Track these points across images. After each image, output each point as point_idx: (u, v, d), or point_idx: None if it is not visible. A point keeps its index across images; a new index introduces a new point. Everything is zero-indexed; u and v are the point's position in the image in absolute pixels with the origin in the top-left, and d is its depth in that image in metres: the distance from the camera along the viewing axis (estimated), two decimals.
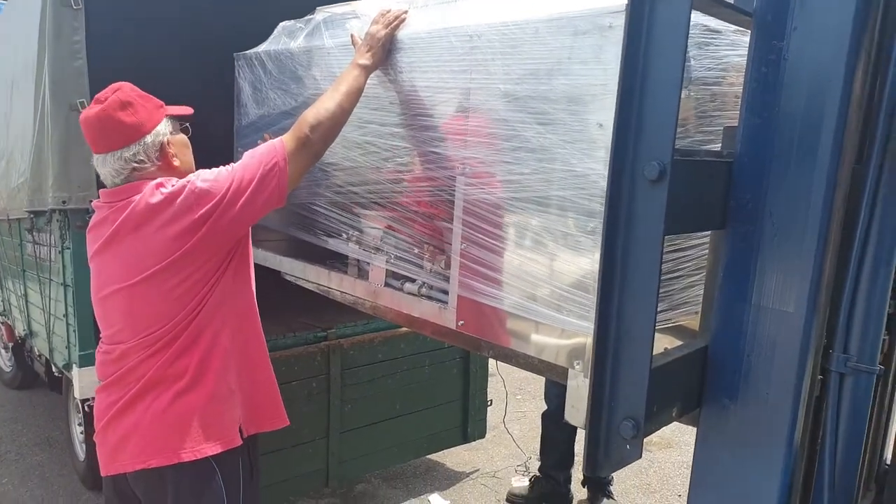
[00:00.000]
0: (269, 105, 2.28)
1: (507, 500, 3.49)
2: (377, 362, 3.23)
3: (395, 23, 1.72)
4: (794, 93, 0.95)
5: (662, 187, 0.88)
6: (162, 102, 1.75)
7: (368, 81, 1.76)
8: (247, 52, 2.38)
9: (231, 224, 1.64)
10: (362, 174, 1.93)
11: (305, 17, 2.16)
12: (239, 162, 1.66)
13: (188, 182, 1.62)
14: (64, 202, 2.69)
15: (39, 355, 3.94)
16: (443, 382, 3.51)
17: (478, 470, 3.88)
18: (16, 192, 3.54)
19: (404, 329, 2.90)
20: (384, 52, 1.72)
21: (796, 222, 0.96)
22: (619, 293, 0.95)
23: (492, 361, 3.69)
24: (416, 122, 1.67)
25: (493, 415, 3.79)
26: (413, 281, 1.77)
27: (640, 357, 0.93)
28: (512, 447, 4.00)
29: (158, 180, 1.65)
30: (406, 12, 1.71)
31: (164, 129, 1.72)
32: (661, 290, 1.38)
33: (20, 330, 4.17)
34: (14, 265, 4.06)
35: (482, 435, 3.72)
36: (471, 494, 3.59)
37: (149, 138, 1.70)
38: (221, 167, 1.67)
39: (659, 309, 1.38)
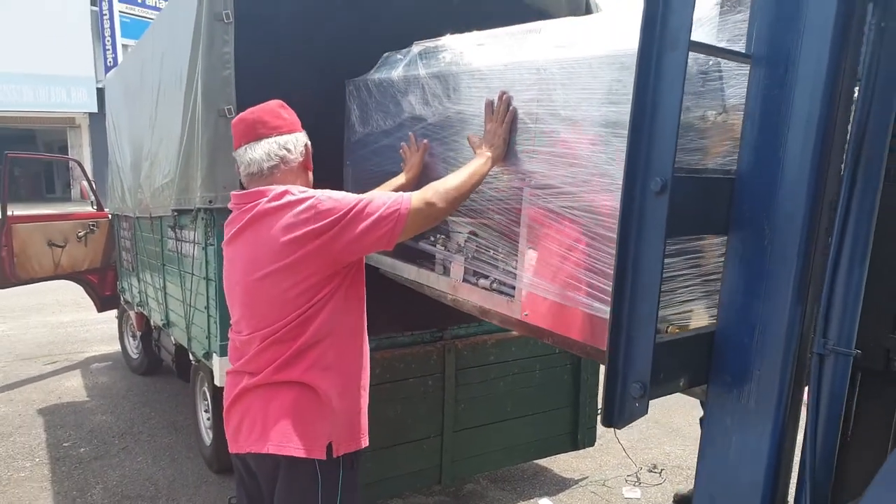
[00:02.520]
0: (372, 125, 2.59)
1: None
2: (489, 364, 3.20)
3: (509, 120, 1.84)
4: (783, 123, 1.08)
5: (664, 198, 1.05)
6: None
7: (453, 106, 2.05)
8: (356, 78, 2.67)
9: (341, 249, 1.71)
10: None
11: (405, 49, 2.40)
12: (367, 195, 1.77)
13: (313, 195, 1.72)
14: (210, 201, 2.77)
15: (174, 344, 4.14)
16: (553, 388, 3.44)
17: (586, 477, 3.81)
18: (160, 192, 3.67)
19: (515, 333, 2.86)
20: (506, 145, 1.85)
21: (785, 229, 1.13)
22: (632, 282, 1.16)
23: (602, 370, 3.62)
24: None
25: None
26: (486, 277, 1.96)
27: (646, 333, 1.10)
28: (621, 456, 3.95)
29: (286, 187, 1.76)
30: (509, 99, 1.83)
31: (307, 139, 1.91)
32: (707, 288, 1.52)
33: (157, 320, 4.37)
34: (154, 259, 4.24)
35: (592, 443, 3.64)
36: (580, 502, 3.55)
37: (300, 135, 1.87)
38: (349, 193, 1.77)
39: (707, 304, 1.51)
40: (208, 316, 3.02)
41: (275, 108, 1.87)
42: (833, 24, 1.06)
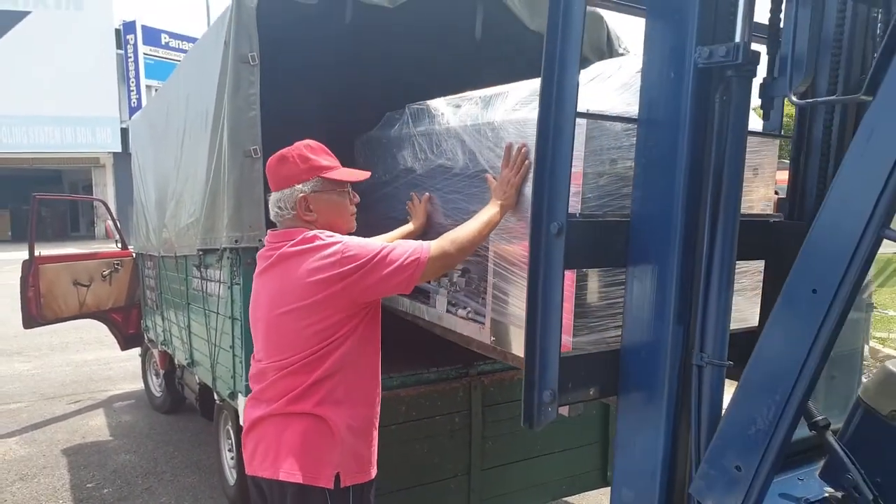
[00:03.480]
0: (375, 176, 3.03)
1: None
2: (517, 400, 3.24)
3: (524, 172, 2.07)
4: (657, 175, 1.46)
5: (561, 239, 1.42)
6: (324, 165, 2.10)
7: (436, 159, 2.43)
8: (362, 135, 3.08)
9: (364, 291, 1.94)
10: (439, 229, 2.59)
11: (400, 110, 2.82)
12: (391, 244, 2.00)
13: (340, 241, 1.95)
14: (236, 241, 2.93)
15: (199, 383, 4.37)
16: (582, 423, 3.51)
17: None
18: (185, 231, 3.88)
19: None
20: (517, 195, 2.10)
21: (666, 263, 1.46)
22: (541, 307, 1.50)
23: None
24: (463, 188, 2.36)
25: None
26: (464, 308, 2.32)
27: (552, 349, 1.46)
28: None
29: (315, 232, 1.99)
30: (527, 152, 2.06)
31: (307, 187, 2.06)
32: None
33: (181, 359, 4.62)
34: (178, 298, 4.50)
35: None
36: None
37: (288, 191, 2.06)
38: (373, 240, 2.04)
39: None
40: (233, 355, 3.20)
41: (273, 164, 2.11)
42: (689, 100, 1.44)
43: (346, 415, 2.03)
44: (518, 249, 2.12)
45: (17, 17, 23.14)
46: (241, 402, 3.04)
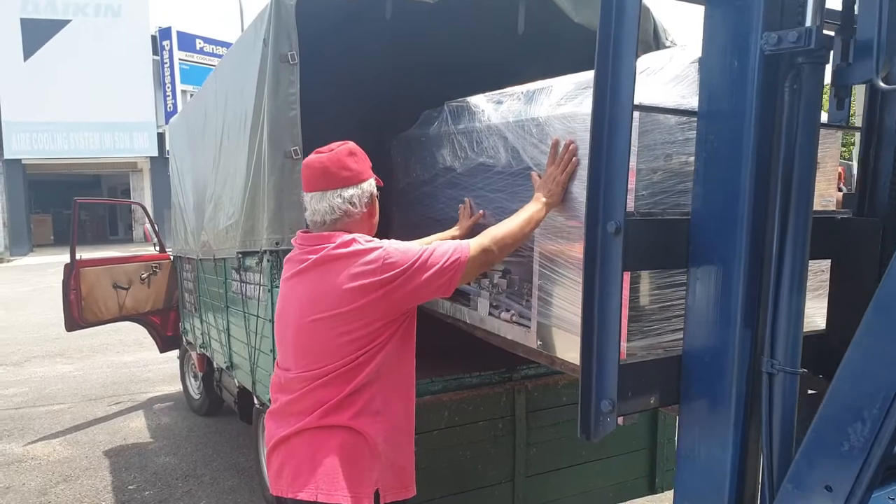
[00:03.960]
0: (413, 175, 2.99)
1: None
2: (562, 405, 3.25)
3: (570, 169, 1.99)
4: (721, 170, 1.38)
5: (619, 238, 1.35)
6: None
7: (476, 157, 2.35)
8: (399, 134, 3.05)
9: (404, 297, 1.88)
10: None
11: (439, 108, 2.77)
12: (430, 246, 1.94)
13: (381, 246, 1.88)
14: (277, 243, 2.90)
15: (238, 386, 4.34)
16: (630, 429, 3.40)
17: None
18: (224, 234, 3.86)
19: None
20: (563, 193, 2.02)
21: (732, 263, 1.38)
22: (598, 311, 1.44)
23: None
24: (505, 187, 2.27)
25: None
26: (508, 310, 2.26)
27: (611, 356, 1.40)
28: None
29: (353, 235, 1.90)
30: (575, 148, 1.99)
31: (374, 184, 2.05)
32: None
33: (220, 362, 4.61)
34: (217, 301, 4.48)
35: (670, 486, 3.54)
36: None
37: (365, 185, 2.00)
38: (412, 244, 1.98)
39: None
40: (273, 359, 3.15)
41: (342, 158, 1.98)
42: (755, 89, 1.35)
43: (384, 427, 1.96)
44: (566, 249, 2.05)
45: (58, 25, 23.77)
46: None
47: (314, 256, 1.91)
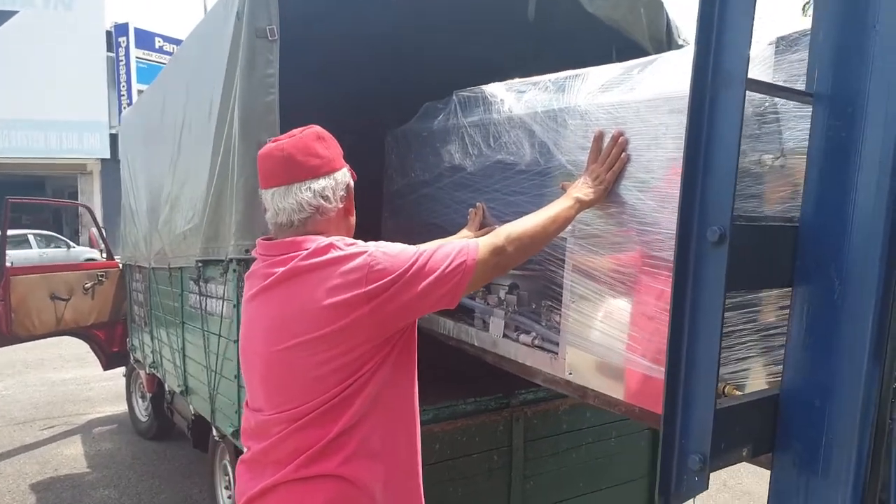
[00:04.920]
0: (412, 176, 2.68)
1: None
2: (562, 433, 3.04)
3: (619, 167, 1.74)
4: (852, 166, 1.11)
5: (723, 249, 1.06)
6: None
7: (493, 154, 1.99)
8: (396, 129, 2.75)
9: (398, 311, 1.54)
10: None
11: (445, 99, 2.49)
12: (426, 248, 1.60)
13: (365, 251, 1.54)
14: (247, 251, 2.56)
15: (194, 413, 3.95)
16: (630, 456, 3.27)
17: None
18: (181, 240, 3.54)
19: None
20: (606, 192, 1.75)
21: (856, 282, 1.12)
22: (688, 342, 1.15)
23: None
24: (530, 188, 1.93)
25: None
26: (528, 333, 1.99)
27: (705, 399, 1.10)
28: None
29: (330, 240, 1.57)
30: (625, 142, 1.74)
31: (349, 175, 1.71)
32: (765, 344, 1.53)
33: (173, 385, 4.22)
34: (171, 316, 4.10)
35: None
36: None
37: (339, 175, 1.66)
38: (406, 246, 1.60)
39: (765, 362, 1.53)
40: (239, 387, 2.84)
41: (309, 143, 1.64)
42: None
43: (383, 471, 1.61)
44: (608, 262, 1.76)
45: (3, 17, 22.85)
46: None
47: (282, 269, 1.56)
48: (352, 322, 1.49)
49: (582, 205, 1.74)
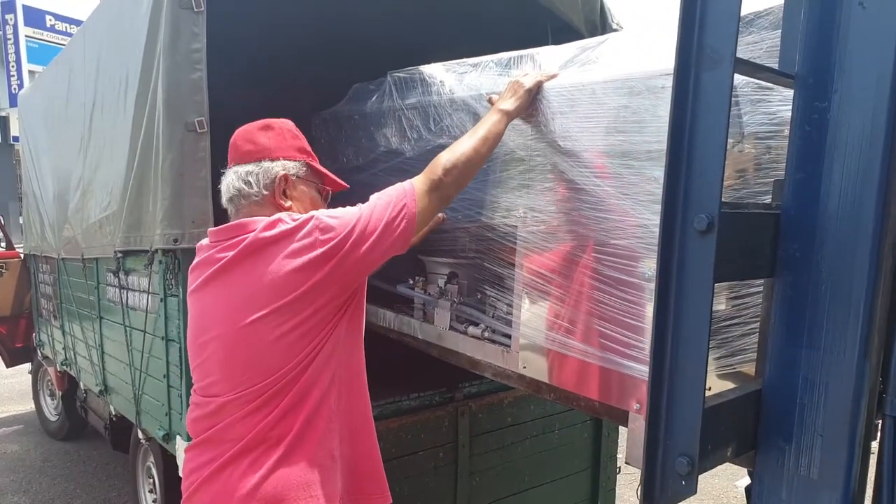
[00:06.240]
0: (342, 160, 2.47)
1: None
2: (506, 427, 2.96)
3: (543, 74, 1.75)
4: (838, 149, 1.03)
5: (711, 238, 0.97)
6: (312, 154, 1.79)
7: (434, 139, 1.88)
8: (324, 111, 2.55)
9: (354, 267, 1.58)
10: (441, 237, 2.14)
11: (377, 80, 2.32)
12: (367, 203, 1.63)
13: (312, 217, 1.58)
14: (175, 240, 2.36)
15: (115, 414, 3.67)
16: (573, 449, 3.23)
17: None
18: (96, 228, 3.29)
19: None
20: (529, 98, 1.72)
21: (845, 271, 1.06)
22: (673, 337, 1.07)
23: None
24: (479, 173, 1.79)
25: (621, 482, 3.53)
26: (476, 324, 1.86)
27: (693, 397, 1.02)
28: None
29: (277, 216, 1.60)
30: (555, 75, 1.74)
31: (292, 166, 1.71)
32: (720, 337, 1.45)
33: (90, 384, 3.91)
34: (86, 310, 3.81)
35: None
36: None
37: (268, 164, 1.68)
38: (348, 206, 1.64)
39: (718, 355, 1.45)
40: (168, 387, 2.65)
41: (252, 130, 1.72)
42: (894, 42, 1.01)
43: (339, 428, 1.66)
44: (563, 252, 1.65)
45: None
46: (182, 446, 2.46)
47: (232, 252, 1.57)
48: (315, 284, 1.53)
49: (509, 116, 1.73)
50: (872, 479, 1.18)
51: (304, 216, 1.58)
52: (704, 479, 4.33)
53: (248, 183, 1.66)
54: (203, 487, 1.61)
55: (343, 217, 1.57)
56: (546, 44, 2.73)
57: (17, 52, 22.31)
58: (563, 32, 3.10)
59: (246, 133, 1.71)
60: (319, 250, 1.52)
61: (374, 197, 1.64)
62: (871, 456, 1.17)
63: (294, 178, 1.70)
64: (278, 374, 1.55)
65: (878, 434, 1.19)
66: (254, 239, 1.55)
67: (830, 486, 1.10)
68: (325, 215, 1.57)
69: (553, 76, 1.73)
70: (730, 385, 1.40)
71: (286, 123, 1.76)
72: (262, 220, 1.58)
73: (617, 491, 3.44)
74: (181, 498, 1.68)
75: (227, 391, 1.59)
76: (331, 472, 1.63)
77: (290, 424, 1.57)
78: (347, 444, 1.70)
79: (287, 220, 1.58)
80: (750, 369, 1.47)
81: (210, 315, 1.63)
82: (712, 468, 1.16)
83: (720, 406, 1.12)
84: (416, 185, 1.63)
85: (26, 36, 22.44)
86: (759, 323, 1.31)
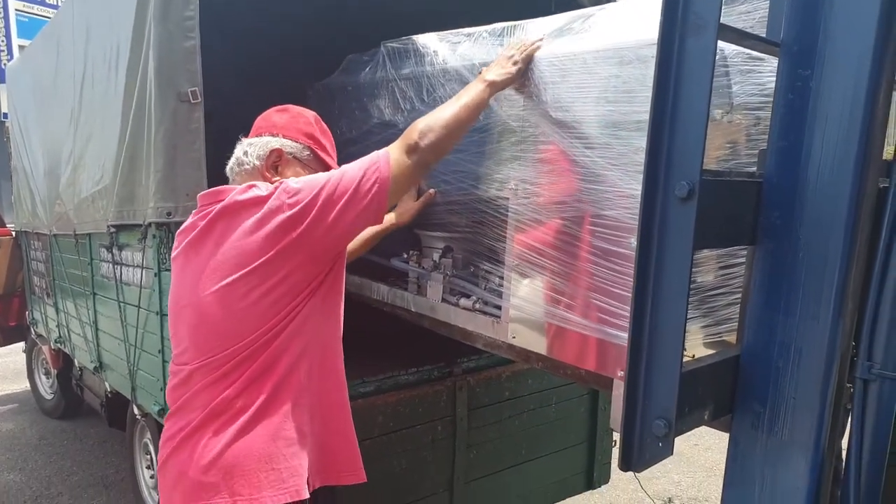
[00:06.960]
0: (335, 132, 2.47)
1: None
2: (504, 401, 3.02)
3: (531, 49, 1.73)
4: (819, 118, 1.06)
5: (691, 205, 1.00)
6: (326, 146, 1.83)
7: (427, 109, 1.89)
8: (318, 82, 2.57)
9: (325, 234, 1.57)
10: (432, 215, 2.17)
11: (371, 51, 2.33)
12: (338, 168, 1.63)
13: (280, 182, 1.60)
14: (169, 213, 2.35)
15: (110, 391, 3.68)
16: (569, 423, 3.30)
17: None
18: (89, 203, 3.27)
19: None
20: (516, 69, 1.71)
21: (822, 239, 1.10)
22: (652, 303, 1.11)
23: None
24: (469, 145, 1.82)
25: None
26: (468, 297, 1.90)
27: (671, 361, 1.06)
28: (631, 490, 3.93)
29: (251, 182, 1.64)
30: (541, 40, 1.75)
31: (290, 145, 1.75)
32: (707, 306, 1.50)
33: (84, 362, 3.94)
34: (80, 286, 3.82)
35: (607, 480, 3.57)
36: None
37: (267, 138, 1.75)
38: (320, 172, 1.67)
39: (705, 324, 1.50)
40: (164, 362, 2.67)
41: (270, 112, 1.84)
42: (878, 8, 1.04)
43: (310, 403, 1.67)
44: (552, 223, 1.69)
45: None
46: None
47: (207, 219, 1.61)
48: (283, 249, 1.53)
49: (494, 87, 1.71)
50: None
51: (275, 184, 1.60)
52: (697, 452, 4.47)
53: (245, 153, 1.74)
54: (172, 456, 1.63)
55: (311, 181, 1.57)
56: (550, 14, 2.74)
57: (7, 27, 22.14)
58: (567, 3, 3.11)
59: (266, 113, 1.83)
60: (287, 213, 1.52)
61: (347, 165, 1.64)
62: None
63: (290, 156, 1.74)
64: (246, 342, 1.56)
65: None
66: (226, 203, 1.57)
67: (802, 447, 1.14)
68: (292, 180, 1.58)
69: (539, 46, 1.72)
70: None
71: (307, 111, 1.84)
72: (238, 187, 1.62)
73: (612, 464, 3.52)
74: None
75: (195, 358, 1.61)
76: (297, 448, 1.63)
77: (255, 394, 1.58)
78: (319, 422, 1.71)
79: (259, 186, 1.60)
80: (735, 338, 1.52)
81: (184, 281, 1.64)
82: (689, 430, 1.21)
83: (698, 370, 1.17)
84: (390, 151, 1.63)
85: (16, 10, 22.28)
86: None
